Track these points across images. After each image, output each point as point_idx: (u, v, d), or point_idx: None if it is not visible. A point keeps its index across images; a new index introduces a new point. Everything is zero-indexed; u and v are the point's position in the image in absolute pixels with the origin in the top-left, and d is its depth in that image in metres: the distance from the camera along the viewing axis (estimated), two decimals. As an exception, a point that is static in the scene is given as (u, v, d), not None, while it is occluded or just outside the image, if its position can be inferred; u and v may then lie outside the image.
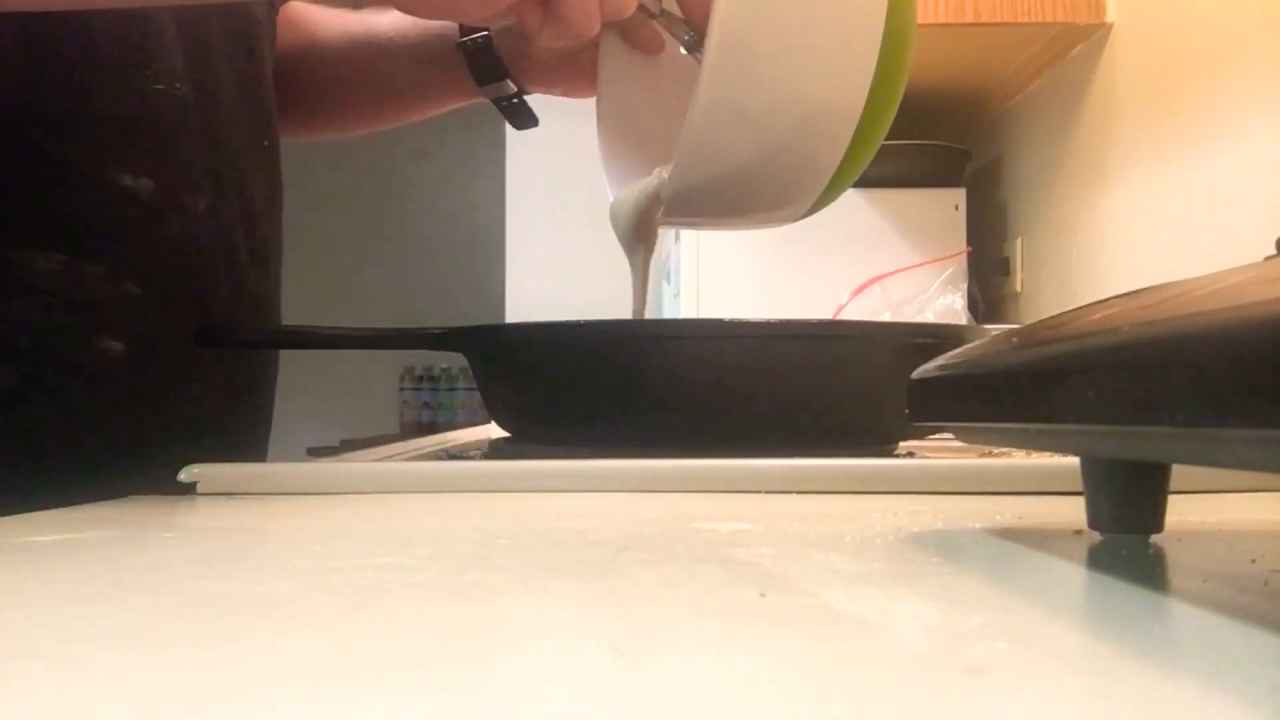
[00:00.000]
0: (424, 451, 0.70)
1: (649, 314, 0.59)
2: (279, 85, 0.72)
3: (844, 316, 1.48)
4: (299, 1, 0.75)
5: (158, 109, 0.54)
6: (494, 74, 0.67)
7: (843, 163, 0.50)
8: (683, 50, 0.55)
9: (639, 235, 0.57)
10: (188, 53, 0.56)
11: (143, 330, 0.54)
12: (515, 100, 0.68)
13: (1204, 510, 0.33)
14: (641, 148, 0.60)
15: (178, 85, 0.55)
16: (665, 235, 2.00)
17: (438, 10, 0.55)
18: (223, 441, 0.61)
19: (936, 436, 0.60)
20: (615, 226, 0.59)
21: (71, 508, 0.37)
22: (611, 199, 0.60)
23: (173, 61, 0.55)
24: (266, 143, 0.64)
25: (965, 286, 1.53)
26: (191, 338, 0.56)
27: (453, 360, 3.07)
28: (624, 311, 0.59)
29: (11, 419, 0.50)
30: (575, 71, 0.64)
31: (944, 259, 1.53)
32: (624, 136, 0.61)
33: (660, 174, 0.54)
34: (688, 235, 1.59)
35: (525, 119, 0.71)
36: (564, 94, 0.67)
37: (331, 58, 0.73)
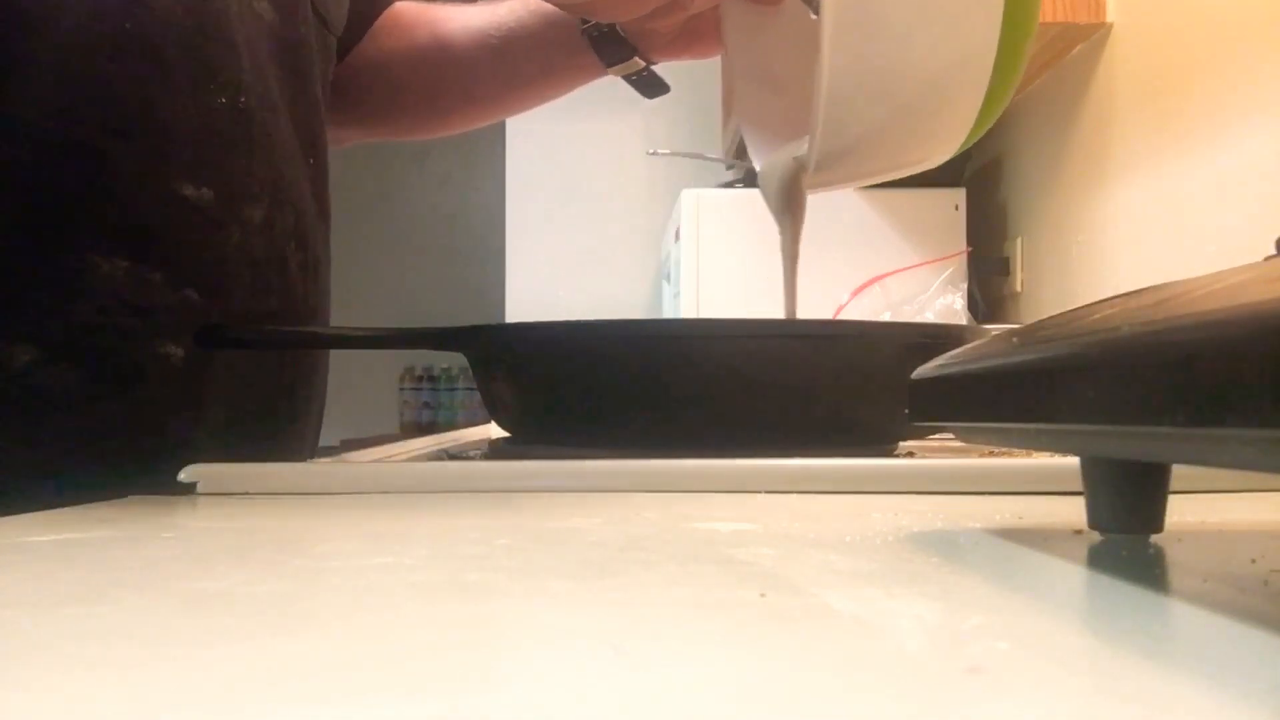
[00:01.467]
0: (424, 451, 0.70)
1: (654, 313, 0.59)
2: (401, 88, 0.74)
3: (844, 316, 1.48)
4: (415, 2, 0.76)
5: (220, 121, 0.55)
6: (621, 54, 0.68)
7: (986, 98, 0.49)
8: (812, 15, 0.54)
9: (788, 207, 0.56)
10: (251, 70, 0.57)
11: None
12: (644, 73, 0.70)
13: (1204, 510, 0.33)
14: (777, 103, 0.59)
15: (241, 99, 0.56)
16: (665, 234, 1.99)
17: (586, 9, 0.56)
18: (268, 440, 0.62)
19: (936, 436, 0.60)
20: (765, 198, 0.58)
21: (71, 508, 0.37)
22: (758, 168, 0.59)
23: (238, 78, 0.56)
24: (313, 160, 0.65)
25: (965, 286, 1.53)
26: (240, 343, 0.58)
27: (453, 360, 3.07)
28: (625, 312, 0.59)
29: (70, 419, 0.51)
30: (699, 34, 0.65)
31: (944, 259, 1.53)
32: (758, 94, 0.61)
33: (800, 146, 0.53)
34: (687, 235, 1.59)
35: (656, 88, 0.72)
36: (692, 57, 0.68)
37: (457, 54, 0.75)
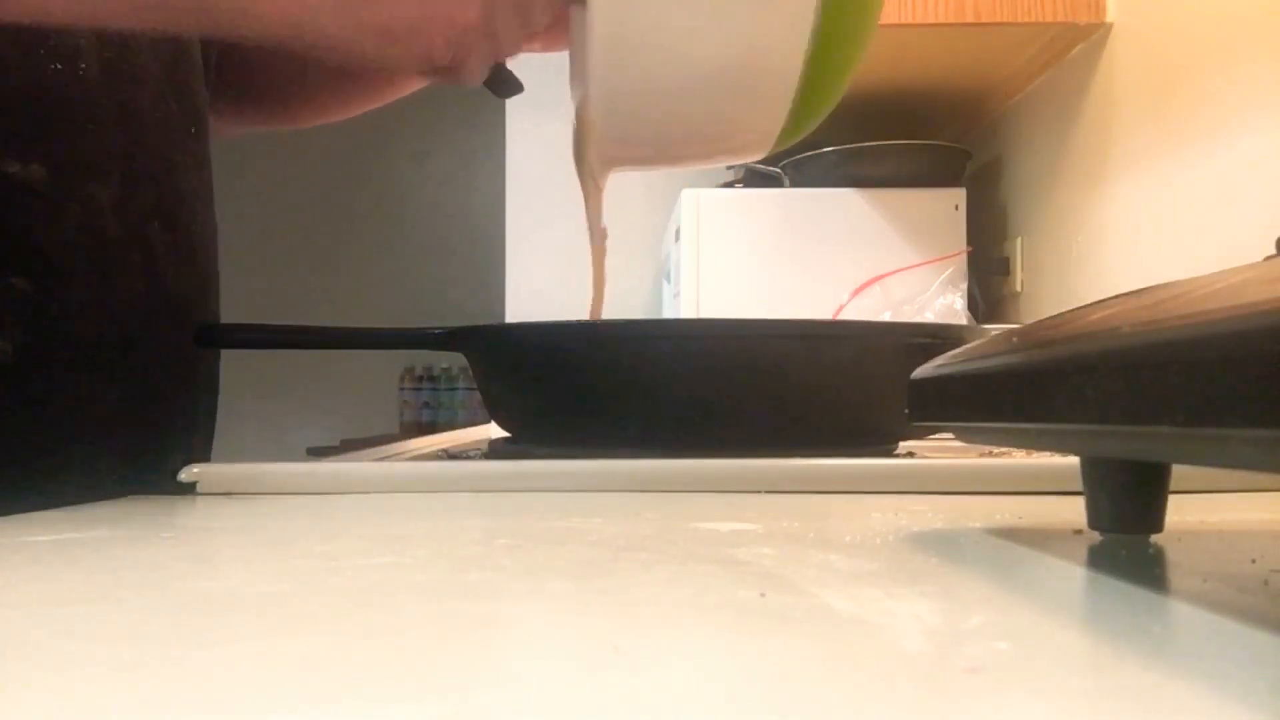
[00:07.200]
0: (424, 451, 0.70)
1: (644, 314, 0.57)
2: (252, 74, 0.68)
3: (844, 316, 1.48)
4: None
5: (54, 90, 0.50)
6: None
7: (804, 97, 0.46)
8: None
9: (580, 164, 0.53)
10: (100, 34, 0.51)
11: (36, 329, 0.50)
12: (493, 68, 0.63)
13: (1204, 510, 0.33)
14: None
15: (83, 65, 0.50)
16: (665, 234, 1.99)
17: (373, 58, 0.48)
18: (133, 451, 0.55)
19: (936, 436, 0.60)
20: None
21: (71, 507, 0.37)
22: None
23: (79, 41, 0.50)
24: (194, 130, 0.59)
25: (965, 286, 1.53)
26: (96, 337, 0.52)
27: (453, 360, 3.07)
28: (625, 312, 0.59)
29: None
30: (549, 25, 0.59)
31: (944, 259, 1.53)
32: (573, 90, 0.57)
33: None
34: (688, 235, 1.59)
35: (509, 86, 0.64)
36: (542, 49, 0.62)
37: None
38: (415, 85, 0.69)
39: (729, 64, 0.46)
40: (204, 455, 0.63)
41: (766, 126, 0.49)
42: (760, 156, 0.53)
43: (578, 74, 0.57)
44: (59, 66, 0.50)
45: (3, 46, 0.48)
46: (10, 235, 0.49)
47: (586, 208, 0.56)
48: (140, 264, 0.55)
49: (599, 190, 0.55)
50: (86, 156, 0.51)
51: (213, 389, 0.65)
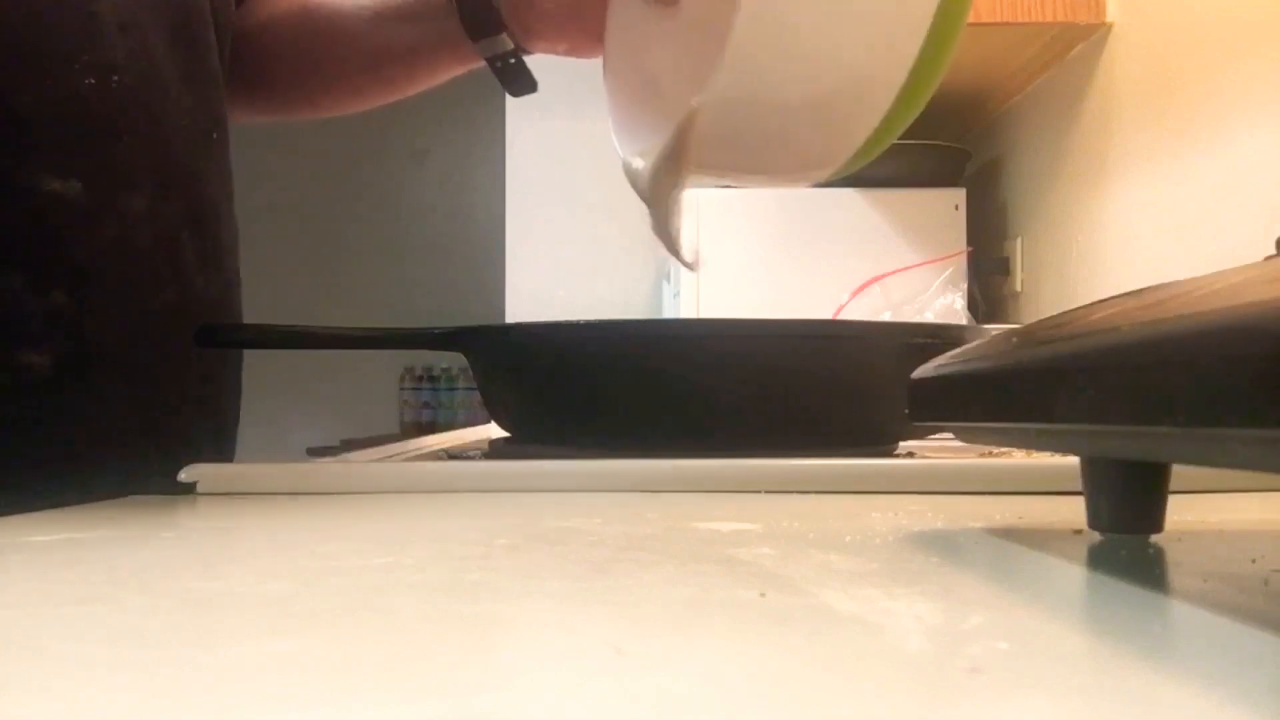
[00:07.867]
0: (424, 451, 0.70)
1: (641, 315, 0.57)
2: (283, 57, 0.68)
3: (844, 316, 1.48)
4: None
5: (88, 105, 0.50)
6: (489, 26, 0.62)
7: (880, 126, 0.48)
8: None
9: (669, 171, 0.52)
10: (127, 44, 0.52)
11: (73, 341, 0.50)
12: (512, 60, 0.63)
13: (1204, 510, 0.33)
14: (654, 104, 0.55)
15: (115, 79, 0.51)
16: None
17: None
18: (167, 456, 0.54)
19: (936, 436, 0.60)
20: (636, 179, 0.54)
21: (71, 507, 0.37)
22: (624, 160, 0.57)
23: (110, 54, 0.51)
24: (216, 136, 0.60)
25: (965, 286, 1.53)
26: (129, 346, 0.53)
27: (453, 360, 3.07)
28: (625, 312, 0.58)
29: None
30: (582, 27, 0.60)
31: (944, 259, 1.53)
32: (635, 94, 0.57)
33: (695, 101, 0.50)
34: (688, 235, 1.59)
35: (522, 83, 0.66)
36: (569, 52, 0.62)
37: (342, 18, 0.68)
38: (432, 80, 0.69)
39: (840, 82, 0.47)
40: (229, 456, 0.64)
41: (847, 147, 0.50)
42: (820, 180, 0.53)
43: (627, 70, 0.57)
44: (92, 82, 0.50)
45: (40, 63, 0.49)
46: (50, 250, 0.50)
47: (659, 222, 0.56)
48: (171, 272, 0.55)
49: (679, 201, 0.55)
50: (120, 169, 0.52)
51: (237, 391, 0.65)
